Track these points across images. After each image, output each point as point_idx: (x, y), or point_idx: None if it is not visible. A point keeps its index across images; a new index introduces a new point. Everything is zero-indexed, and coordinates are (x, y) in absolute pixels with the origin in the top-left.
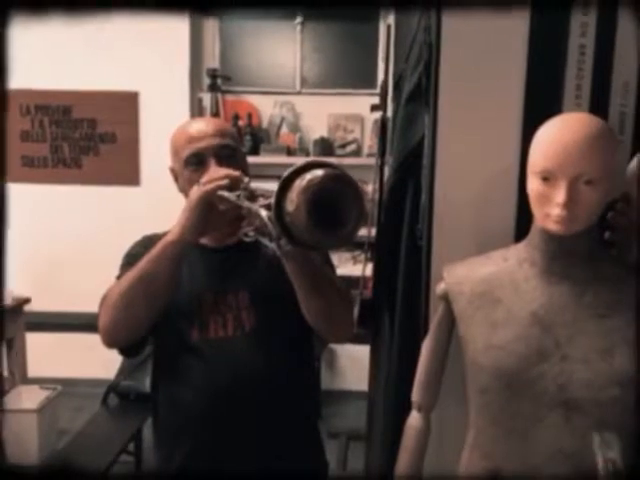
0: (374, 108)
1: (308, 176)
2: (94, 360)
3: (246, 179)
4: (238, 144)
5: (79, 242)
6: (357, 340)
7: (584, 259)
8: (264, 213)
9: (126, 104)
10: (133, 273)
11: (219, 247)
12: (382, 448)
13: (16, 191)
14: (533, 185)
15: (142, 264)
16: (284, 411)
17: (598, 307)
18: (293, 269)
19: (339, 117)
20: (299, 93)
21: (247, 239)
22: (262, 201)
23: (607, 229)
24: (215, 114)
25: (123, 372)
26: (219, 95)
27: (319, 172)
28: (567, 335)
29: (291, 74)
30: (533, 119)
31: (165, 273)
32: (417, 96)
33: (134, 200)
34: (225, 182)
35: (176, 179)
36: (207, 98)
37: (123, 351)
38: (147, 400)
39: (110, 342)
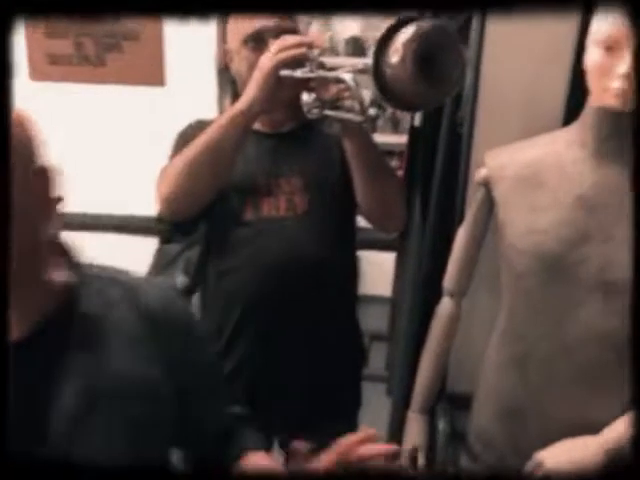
0: None
1: (414, 27)
2: (124, 260)
3: (316, 50)
4: (297, 25)
5: (103, 143)
6: (379, 246)
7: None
8: (349, 76)
9: None
10: (199, 143)
11: (273, 132)
12: (406, 343)
13: (43, 90)
14: (594, 56)
15: (209, 133)
16: (329, 289)
17: None
18: (354, 149)
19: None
20: None
21: (312, 116)
22: (342, 71)
23: None
24: None
25: (155, 269)
26: None
27: (426, 23)
28: (612, 217)
29: None
30: None
31: (232, 142)
32: None
33: (159, 100)
34: (300, 50)
35: (230, 61)
36: None
37: (179, 227)
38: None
39: (171, 212)
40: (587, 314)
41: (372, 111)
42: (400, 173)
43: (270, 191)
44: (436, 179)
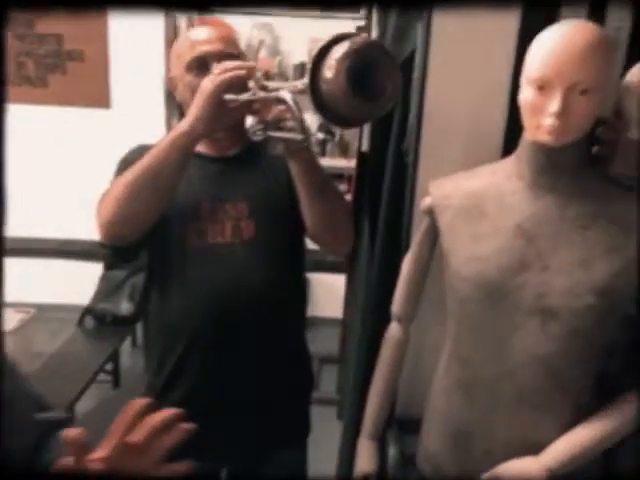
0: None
1: (348, 43)
2: (69, 286)
3: (259, 72)
4: (242, 52)
5: (47, 166)
6: (330, 269)
7: (570, 172)
8: (289, 95)
9: (94, 19)
10: (140, 165)
11: (218, 157)
12: (357, 367)
13: None
14: (527, 95)
15: (150, 155)
16: (277, 315)
17: (580, 219)
18: (299, 170)
19: (321, 42)
20: (278, 15)
21: (256, 138)
22: (282, 91)
23: (596, 144)
24: None
25: (99, 295)
26: (195, 15)
27: (359, 39)
28: (549, 246)
29: None
30: (528, 32)
31: (174, 164)
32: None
33: (104, 123)
34: (242, 72)
35: (175, 88)
36: (182, 18)
37: (119, 252)
38: (123, 323)
39: (111, 237)
40: (526, 339)
41: (320, 135)
42: (349, 197)
43: (215, 217)
44: (383, 207)
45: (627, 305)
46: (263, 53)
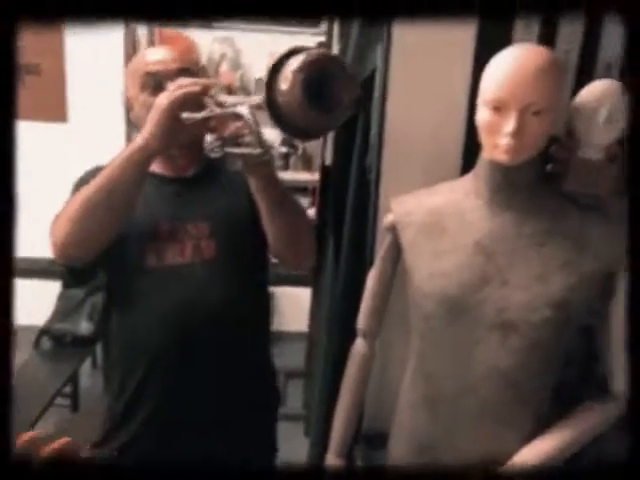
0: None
1: (303, 55)
2: (24, 306)
3: (214, 88)
4: (200, 71)
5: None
6: (295, 282)
7: (526, 190)
8: (246, 110)
9: (51, 31)
10: (94, 182)
11: (176, 177)
12: (323, 383)
13: None
14: (483, 115)
15: (104, 172)
16: (239, 334)
17: (536, 237)
18: (259, 186)
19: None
20: (239, 29)
21: (214, 155)
22: (239, 106)
23: (549, 162)
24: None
25: (57, 315)
26: (155, 29)
27: (314, 51)
28: (507, 262)
29: None
30: (484, 53)
31: (129, 181)
32: (369, 28)
33: (61, 137)
34: (197, 88)
35: (131, 108)
36: (142, 32)
37: (74, 273)
38: (83, 343)
39: (65, 258)
40: (487, 353)
41: (283, 148)
42: (313, 209)
43: (175, 237)
44: (347, 222)
45: (582, 316)
46: (225, 67)
